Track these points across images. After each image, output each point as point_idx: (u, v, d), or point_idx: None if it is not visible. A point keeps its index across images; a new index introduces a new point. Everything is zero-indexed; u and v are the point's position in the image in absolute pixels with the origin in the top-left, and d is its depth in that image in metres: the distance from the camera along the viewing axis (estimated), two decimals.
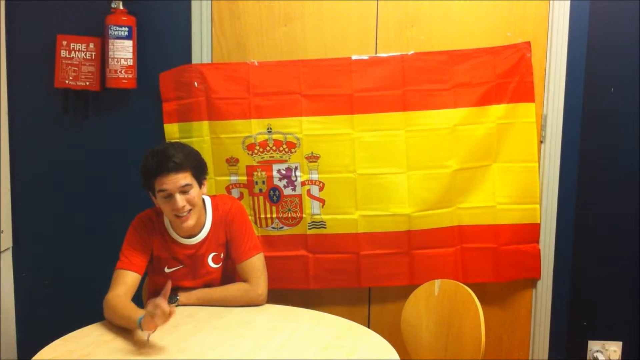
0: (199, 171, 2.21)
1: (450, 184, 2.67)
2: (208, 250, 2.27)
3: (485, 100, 2.63)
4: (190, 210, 2.15)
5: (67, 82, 2.67)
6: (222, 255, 2.30)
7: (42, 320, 2.83)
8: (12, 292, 2.84)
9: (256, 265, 2.27)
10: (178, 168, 2.11)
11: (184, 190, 2.13)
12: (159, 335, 1.94)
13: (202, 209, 2.27)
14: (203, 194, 2.25)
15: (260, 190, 2.71)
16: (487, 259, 2.73)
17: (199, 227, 2.26)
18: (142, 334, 1.89)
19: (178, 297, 2.21)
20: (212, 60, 2.71)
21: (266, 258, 2.35)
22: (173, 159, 2.10)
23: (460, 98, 2.63)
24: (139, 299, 2.12)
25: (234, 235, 2.29)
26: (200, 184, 2.21)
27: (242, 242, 2.28)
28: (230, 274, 2.34)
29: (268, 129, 2.66)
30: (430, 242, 2.70)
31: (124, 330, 1.99)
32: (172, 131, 2.70)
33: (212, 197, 2.35)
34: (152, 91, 2.70)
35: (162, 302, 1.82)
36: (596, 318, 2.83)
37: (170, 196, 2.12)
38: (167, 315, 1.82)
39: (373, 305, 2.85)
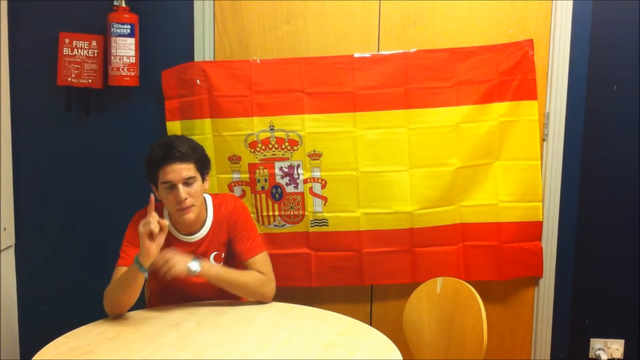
0: (203, 165, 2.22)
1: (452, 181, 2.67)
2: (209, 249, 2.27)
3: (488, 98, 2.63)
4: (192, 205, 2.16)
5: (69, 79, 2.67)
6: (223, 254, 2.30)
7: (44, 318, 2.84)
8: (15, 289, 2.85)
9: (266, 261, 2.28)
10: (183, 158, 2.13)
11: (188, 182, 2.13)
12: (161, 333, 1.95)
13: (204, 206, 2.27)
14: (205, 190, 2.25)
15: (263, 188, 2.71)
16: (490, 257, 2.73)
17: (200, 224, 2.26)
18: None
19: (200, 264, 2.13)
20: (214, 58, 2.71)
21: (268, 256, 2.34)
22: (178, 148, 2.12)
23: (463, 96, 2.62)
24: (140, 299, 2.11)
25: (239, 234, 2.28)
26: (203, 179, 2.21)
27: (249, 240, 2.27)
28: None
29: (270, 126, 2.66)
30: (432, 240, 2.70)
31: (127, 328, 2.00)
32: (175, 129, 2.70)
33: (214, 196, 2.35)
34: (154, 89, 2.71)
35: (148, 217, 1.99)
36: (598, 316, 2.83)
37: (173, 187, 2.12)
38: (155, 223, 1.98)
39: (375, 303, 2.85)
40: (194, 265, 2.11)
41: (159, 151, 2.14)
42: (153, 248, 2.00)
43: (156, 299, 2.33)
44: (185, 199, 2.12)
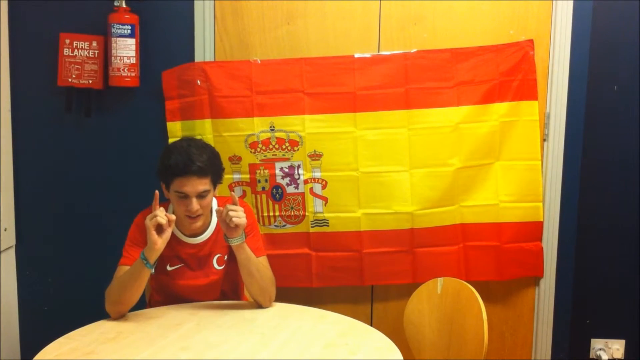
0: (218, 177, 2.19)
1: (453, 182, 2.67)
2: (212, 252, 2.26)
3: (488, 98, 2.63)
4: (202, 214, 2.15)
5: (70, 80, 2.67)
6: (225, 257, 2.29)
7: (45, 318, 2.84)
8: (15, 290, 2.84)
9: (269, 265, 2.26)
10: (201, 173, 2.08)
11: (201, 195, 2.11)
12: (162, 334, 1.95)
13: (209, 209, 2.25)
14: (214, 196, 2.24)
15: (263, 188, 2.71)
16: (490, 257, 2.73)
17: (204, 227, 2.25)
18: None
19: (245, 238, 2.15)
20: (214, 59, 2.71)
21: (269, 256, 2.33)
22: (197, 162, 2.07)
23: (463, 96, 2.63)
24: (140, 300, 2.11)
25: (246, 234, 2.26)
26: (215, 189, 2.20)
27: (253, 240, 2.25)
28: (233, 277, 2.33)
29: (271, 127, 2.66)
30: (433, 240, 2.70)
31: (127, 328, 2.00)
32: (175, 129, 2.70)
33: (219, 198, 2.32)
34: (154, 89, 2.71)
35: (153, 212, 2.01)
36: (599, 316, 2.83)
37: (186, 197, 2.11)
38: (162, 215, 2.00)
39: (376, 304, 2.85)
40: (244, 235, 2.13)
41: (178, 159, 2.08)
42: (160, 241, 2.01)
43: (156, 300, 2.33)
44: (197, 210, 2.12)
